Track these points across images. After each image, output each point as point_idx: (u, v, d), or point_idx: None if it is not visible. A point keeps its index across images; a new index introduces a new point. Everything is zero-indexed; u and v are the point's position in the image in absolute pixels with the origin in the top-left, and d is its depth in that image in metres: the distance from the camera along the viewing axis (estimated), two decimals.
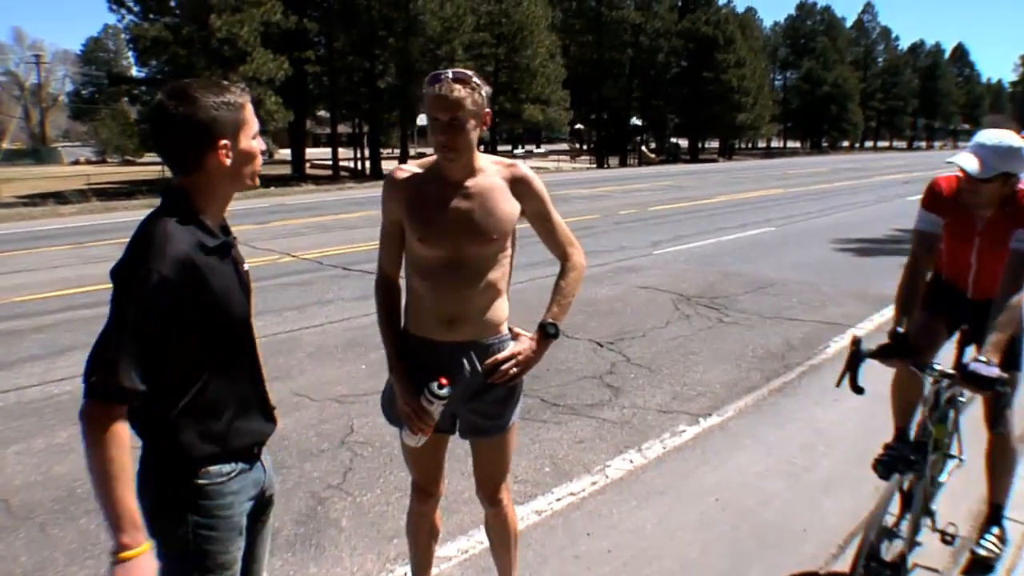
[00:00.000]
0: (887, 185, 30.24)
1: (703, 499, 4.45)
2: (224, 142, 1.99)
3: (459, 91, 2.54)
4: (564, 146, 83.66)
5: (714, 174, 39.61)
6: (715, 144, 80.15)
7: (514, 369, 2.78)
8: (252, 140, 2.09)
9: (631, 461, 4.91)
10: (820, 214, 19.20)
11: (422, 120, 50.81)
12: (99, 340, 1.87)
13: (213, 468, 2.06)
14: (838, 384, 3.12)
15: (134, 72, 45.86)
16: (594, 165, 59.26)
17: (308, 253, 13.22)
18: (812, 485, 4.61)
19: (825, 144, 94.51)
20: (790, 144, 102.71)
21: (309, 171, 46.24)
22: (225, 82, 2.09)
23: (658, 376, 6.53)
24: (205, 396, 2.04)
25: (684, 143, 75.96)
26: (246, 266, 2.21)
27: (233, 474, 2.10)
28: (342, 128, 54.39)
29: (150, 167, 46.77)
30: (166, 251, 1.88)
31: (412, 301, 2.87)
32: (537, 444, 5.17)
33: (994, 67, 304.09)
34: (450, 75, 2.56)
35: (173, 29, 36.62)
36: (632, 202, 22.25)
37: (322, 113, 53.19)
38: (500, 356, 2.79)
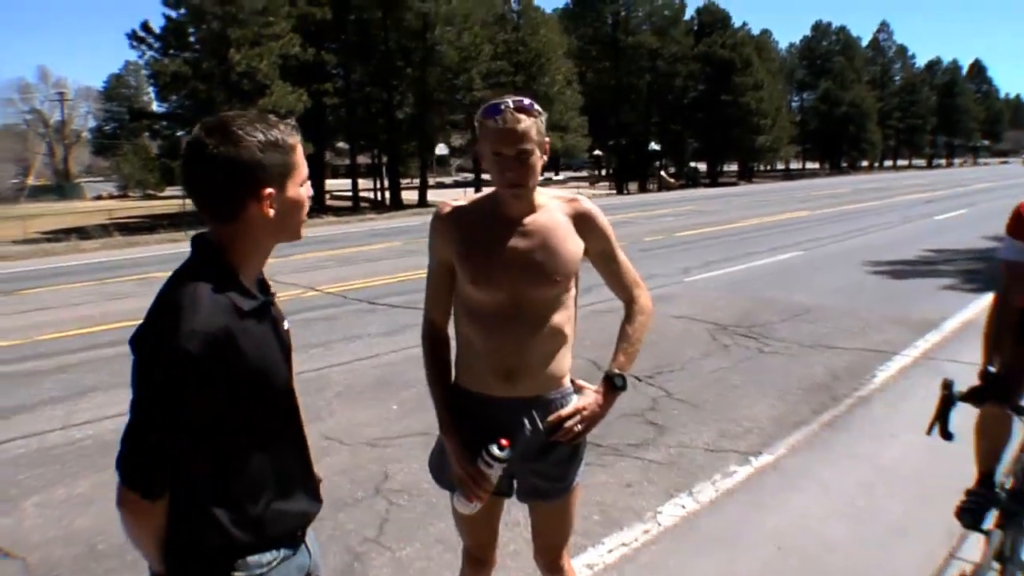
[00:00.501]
0: (911, 205, 29.89)
1: (764, 546, 4.17)
2: (269, 191, 1.74)
3: (524, 121, 2.33)
4: (583, 172, 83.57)
5: (736, 197, 39.33)
6: (734, 167, 79.81)
7: (579, 426, 2.52)
8: (300, 187, 1.83)
9: (683, 506, 4.63)
10: (847, 236, 18.87)
11: (441, 150, 50.93)
12: (128, 430, 1.67)
13: (252, 559, 1.80)
14: (928, 432, 2.83)
15: (155, 107, 46.10)
16: (614, 191, 59.07)
17: (332, 287, 13.03)
18: (877, 529, 4.32)
19: (844, 164, 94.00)
20: (809, 165, 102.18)
21: (329, 203, 46.28)
22: (273, 117, 1.82)
23: (702, 412, 6.25)
24: (241, 477, 1.79)
25: (703, 167, 75.71)
26: (287, 323, 1.97)
27: (275, 563, 1.84)
28: (361, 159, 54.48)
29: (171, 200, 46.88)
30: (196, 323, 1.64)
31: (464, 352, 2.62)
32: (584, 489, 4.86)
33: (1012, 83, 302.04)
34: (511, 104, 2.34)
35: (193, 64, 36.92)
36: (657, 228, 22.02)
37: (341, 144, 53.34)
38: (564, 412, 2.53)
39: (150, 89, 43.20)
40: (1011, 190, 34.47)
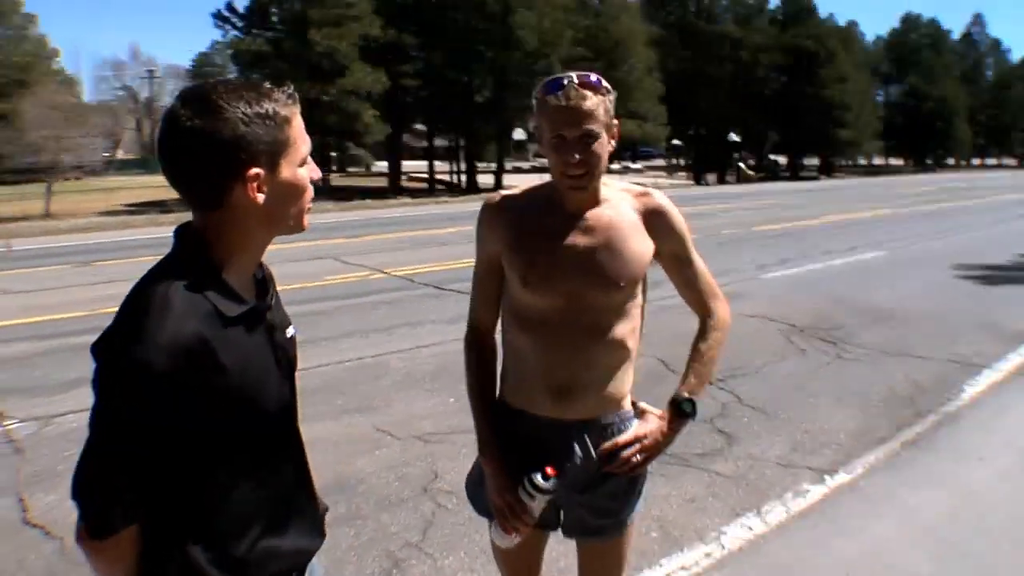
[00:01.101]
0: (1003, 206, 28.56)
1: None
2: (256, 171, 1.45)
3: (590, 99, 2.01)
4: (660, 162, 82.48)
5: (817, 192, 38.23)
6: (814, 161, 77.94)
7: (638, 456, 2.19)
8: (300, 168, 1.53)
9: (750, 528, 4.27)
10: (934, 236, 18.06)
11: (518, 135, 50.66)
12: (83, 455, 1.39)
13: None
14: None
15: None
16: (691, 182, 58.17)
17: (400, 270, 12.86)
18: (968, 567, 3.91)
19: (929, 162, 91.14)
20: (892, 161, 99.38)
21: (405, 184, 46.43)
22: (266, 84, 1.53)
23: (775, 421, 5.85)
24: (222, 510, 1.51)
25: (783, 160, 74.08)
26: (291, 331, 1.69)
27: None
28: (438, 141, 54.51)
29: None
30: (163, 331, 1.35)
31: (511, 363, 2.31)
32: (642, 501, 4.56)
33: None
34: (575, 79, 2.02)
35: (274, 43, 37.23)
36: (734, 221, 21.41)
37: (419, 126, 53.43)
38: (622, 439, 2.20)
39: (233, 68, 43.68)
40: None
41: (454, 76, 44.70)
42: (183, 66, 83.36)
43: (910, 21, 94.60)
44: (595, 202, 2.18)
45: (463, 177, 48.59)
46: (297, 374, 1.74)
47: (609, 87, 2.08)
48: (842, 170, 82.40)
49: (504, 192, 2.33)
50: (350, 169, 54.22)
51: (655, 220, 2.22)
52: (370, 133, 39.80)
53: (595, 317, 2.16)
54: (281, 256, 15.12)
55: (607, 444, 2.20)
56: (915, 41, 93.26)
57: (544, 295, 2.15)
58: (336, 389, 6.58)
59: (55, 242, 18.98)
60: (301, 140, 1.54)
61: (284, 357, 1.63)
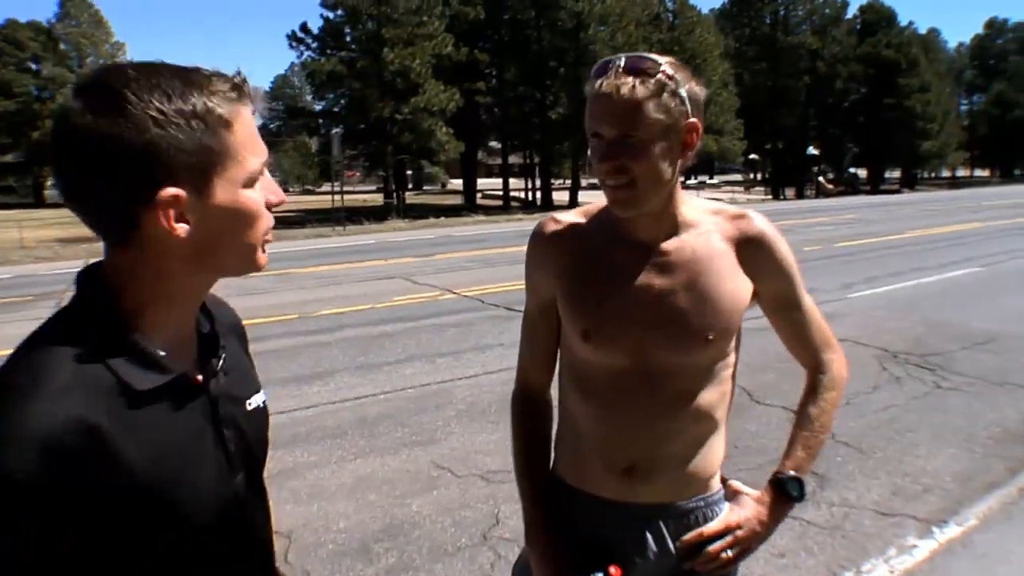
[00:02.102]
0: None
1: None
2: (172, 193, 1.02)
3: (635, 88, 1.52)
4: (737, 176, 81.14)
5: (900, 206, 36.80)
6: (896, 174, 75.66)
7: (729, 552, 1.71)
8: (245, 189, 1.09)
9: None
10: None
11: None
12: None
13: None
14: None
15: (314, 107, 47.23)
16: (769, 196, 56.90)
17: (470, 290, 12.50)
18: None
19: (1018, 173, 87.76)
20: (978, 173, 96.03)
21: (480, 201, 46.35)
22: (204, 71, 1.08)
23: (870, 460, 5.27)
24: None
25: (863, 173, 72.04)
26: (255, 401, 1.26)
27: None
28: (513, 159, 54.33)
29: (327, 195, 48.06)
30: (27, 423, 0.93)
31: (568, 430, 1.85)
32: None
33: None
34: (622, 62, 1.55)
35: (348, 63, 37.52)
36: (815, 237, 20.51)
37: (493, 144, 53.41)
38: (708, 529, 1.73)
39: (310, 89, 44.25)
40: None
41: (528, 93, 44.53)
42: (262, 88, 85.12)
43: (996, 26, 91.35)
44: (674, 228, 1.70)
45: (538, 194, 48.25)
46: (277, 456, 1.30)
47: (672, 73, 1.57)
48: (925, 183, 79.90)
49: (558, 216, 1.84)
50: (425, 187, 54.43)
51: (754, 252, 1.72)
52: (444, 151, 39.79)
53: (674, 380, 1.68)
54: (350, 277, 15.09)
55: (690, 535, 1.73)
56: (1001, 47, 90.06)
57: (609, 352, 1.69)
58: (397, 419, 6.22)
59: None
60: (248, 150, 1.09)
61: (236, 440, 1.19)
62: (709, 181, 76.34)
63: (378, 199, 42.93)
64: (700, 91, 1.62)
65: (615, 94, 1.52)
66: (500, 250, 18.65)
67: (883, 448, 5.47)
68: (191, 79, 1.05)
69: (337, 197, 30.85)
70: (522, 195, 51.40)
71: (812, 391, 1.85)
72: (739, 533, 1.71)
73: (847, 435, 5.66)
